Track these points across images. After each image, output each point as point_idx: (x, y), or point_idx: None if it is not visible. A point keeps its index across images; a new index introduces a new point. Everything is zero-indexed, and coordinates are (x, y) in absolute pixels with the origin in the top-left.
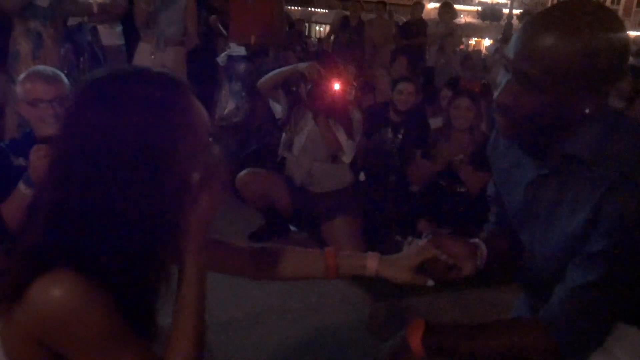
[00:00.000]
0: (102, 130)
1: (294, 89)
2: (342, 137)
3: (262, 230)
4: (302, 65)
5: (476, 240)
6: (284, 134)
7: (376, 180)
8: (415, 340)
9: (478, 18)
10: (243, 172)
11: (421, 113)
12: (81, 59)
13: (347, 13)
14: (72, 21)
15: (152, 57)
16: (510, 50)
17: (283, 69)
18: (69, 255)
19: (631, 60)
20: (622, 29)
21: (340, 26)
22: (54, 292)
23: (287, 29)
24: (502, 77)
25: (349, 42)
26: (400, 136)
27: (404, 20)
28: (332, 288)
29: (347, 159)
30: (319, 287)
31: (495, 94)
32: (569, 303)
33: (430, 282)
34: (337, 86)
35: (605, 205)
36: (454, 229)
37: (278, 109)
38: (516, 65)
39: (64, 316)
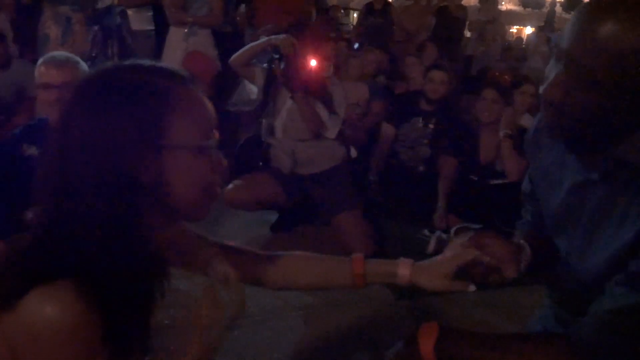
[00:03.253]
0: (84, 128)
1: (266, 65)
2: (322, 113)
3: (281, 221)
4: (276, 39)
5: (520, 241)
6: (263, 120)
7: (405, 171)
8: (427, 347)
9: (519, 5)
10: (227, 189)
11: (454, 102)
12: (109, 42)
13: None
14: (101, 4)
15: (185, 44)
16: (564, 38)
17: (255, 42)
18: (63, 265)
19: None
20: None
21: (365, 12)
22: (48, 309)
23: (321, 14)
24: (551, 68)
25: (376, 27)
26: (431, 126)
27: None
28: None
29: (330, 134)
30: None
31: (542, 87)
32: (608, 325)
33: (472, 287)
34: (313, 62)
35: None
36: (483, 224)
37: (254, 89)
38: (571, 55)
39: (52, 336)
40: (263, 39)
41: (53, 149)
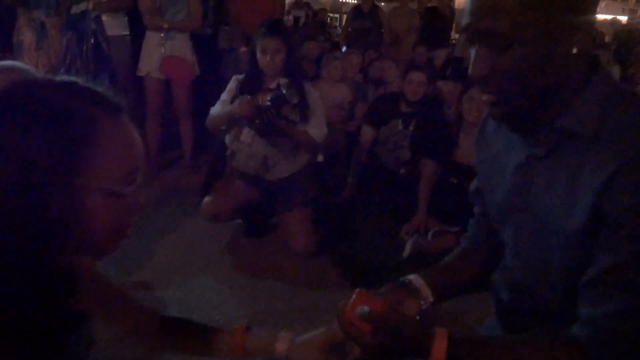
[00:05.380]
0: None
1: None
2: (310, 129)
3: (252, 226)
4: (234, 109)
5: (413, 281)
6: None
7: (386, 174)
8: (440, 354)
9: None
10: (205, 203)
11: (434, 104)
12: (84, 48)
13: None
14: (75, 9)
15: (162, 48)
16: (467, 16)
17: (221, 114)
18: None
19: None
20: None
21: (353, 15)
22: None
23: (307, 18)
24: (470, 51)
25: (364, 30)
26: (411, 128)
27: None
28: (321, 292)
29: (319, 139)
30: (306, 290)
31: (469, 69)
32: (608, 325)
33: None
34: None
35: (616, 193)
36: (461, 227)
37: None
38: (479, 27)
39: None
40: (227, 107)
41: None
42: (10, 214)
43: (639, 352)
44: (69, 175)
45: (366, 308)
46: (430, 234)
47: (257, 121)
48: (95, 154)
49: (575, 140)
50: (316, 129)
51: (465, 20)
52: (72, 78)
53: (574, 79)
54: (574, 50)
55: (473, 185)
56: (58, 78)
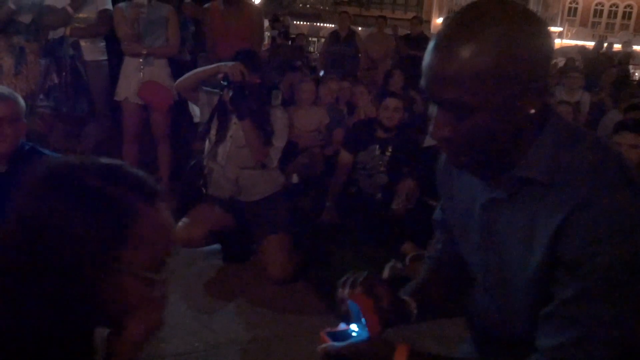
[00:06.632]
0: (39, 224)
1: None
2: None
3: (230, 252)
4: (225, 66)
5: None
6: (207, 142)
7: (363, 199)
8: None
9: None
10: (178, 229)
11: (410, 129)
12: (62, 73)
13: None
14: (52, 35)
15: (141, 74)
16: (425, 80)
17: (203, 68)
18: None
19: None
20: (532, 17)
21: (331, 40)
22: None
23: (289, 43)
24: (432, 109)
25: (341, 54)
26: (388, 153)
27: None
28: (300, 318)
29: (271, 163)
30: (286, 316)
31: (430, 128)
32: (560, 355)
33: None
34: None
35: (568, 236)
36: None
37: (196, 111)
38: (436, 94)
39: None
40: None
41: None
42: (46, 285)
43: None
44: (106, 259)
45: (325, 346)
46: (408, 258)
47: (234, 90)
48: (132, 240)
49: (533, 185)
50: (273, 153)
51: (423, 82)
52: (117, 162)
53: (528, 131)
54: (531, 111)
55: (438, 215)
56: (104, 160)
